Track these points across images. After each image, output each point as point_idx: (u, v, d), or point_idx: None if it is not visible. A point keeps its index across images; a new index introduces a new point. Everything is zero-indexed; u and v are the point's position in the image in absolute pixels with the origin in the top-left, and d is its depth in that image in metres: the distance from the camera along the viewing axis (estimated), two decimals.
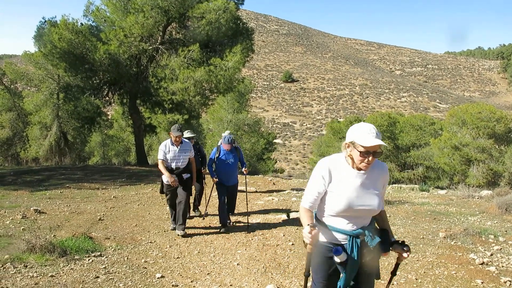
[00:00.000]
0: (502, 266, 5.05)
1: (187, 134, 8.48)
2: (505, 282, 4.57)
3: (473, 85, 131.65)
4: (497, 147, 18.44)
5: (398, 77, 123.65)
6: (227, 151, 7.06)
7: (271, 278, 4.79)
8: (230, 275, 4.88)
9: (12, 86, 24.25)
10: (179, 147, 6.57)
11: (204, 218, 7.85)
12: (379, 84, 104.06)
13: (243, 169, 7.28)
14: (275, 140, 37.56)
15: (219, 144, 8.93)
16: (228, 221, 7.22)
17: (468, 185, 14.94)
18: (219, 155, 7.04)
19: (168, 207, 7.04)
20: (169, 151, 6.55)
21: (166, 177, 6.49)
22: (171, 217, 6.93)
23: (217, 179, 6.91)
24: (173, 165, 6.56)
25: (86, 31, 16.52)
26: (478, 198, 10.09)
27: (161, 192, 6.95)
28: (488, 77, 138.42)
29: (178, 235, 6.55)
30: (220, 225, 7.05)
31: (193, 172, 6.91)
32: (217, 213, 7.17)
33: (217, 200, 7.18)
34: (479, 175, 17.58)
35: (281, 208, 8.87)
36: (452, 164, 18.77)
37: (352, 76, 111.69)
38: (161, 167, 6.55)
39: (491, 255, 5.51)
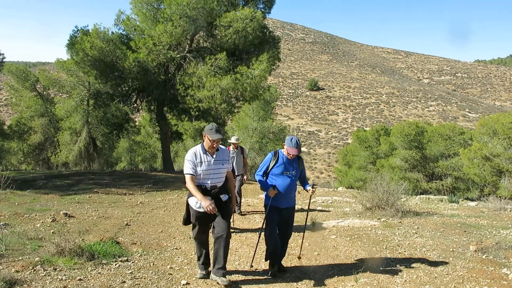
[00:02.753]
0: None
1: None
2: None
3: (504, 94, 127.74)
4: None
5: (426, 86, 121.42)
6: (289, 160, 4.95)
7: None
8: (255, 284, 4.84)
9: (44, 92, 25.18)
10: (214, 156, 4.65)
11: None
12: (406, 93, 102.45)
13: (307, 187, 5.11)
14: None
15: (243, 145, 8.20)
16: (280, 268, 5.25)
17: (500, 197, 14.45)
18: (275, 164, 4.95)
19: (195, 244, 4.97)
20: (200, 162, 4.58)
21: (200, 201, 4.44)
22: (199, 259, 4.95)
23: (276, 190, 4.85)
24: (208, 183, 4.61)
25: (116, 40, 16.99)
26: (510, 211, 9.73)
27: (186, 222, 4.92)
28: None
29: (220, 283, 4.63)
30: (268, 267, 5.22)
31: (232, 192, 4.92)
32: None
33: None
34: (511, 186, 17.00)
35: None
36: (483, 175, 18.23)
37: (379, 85, 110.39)
38: (190, 186, 4.48)
39: None
